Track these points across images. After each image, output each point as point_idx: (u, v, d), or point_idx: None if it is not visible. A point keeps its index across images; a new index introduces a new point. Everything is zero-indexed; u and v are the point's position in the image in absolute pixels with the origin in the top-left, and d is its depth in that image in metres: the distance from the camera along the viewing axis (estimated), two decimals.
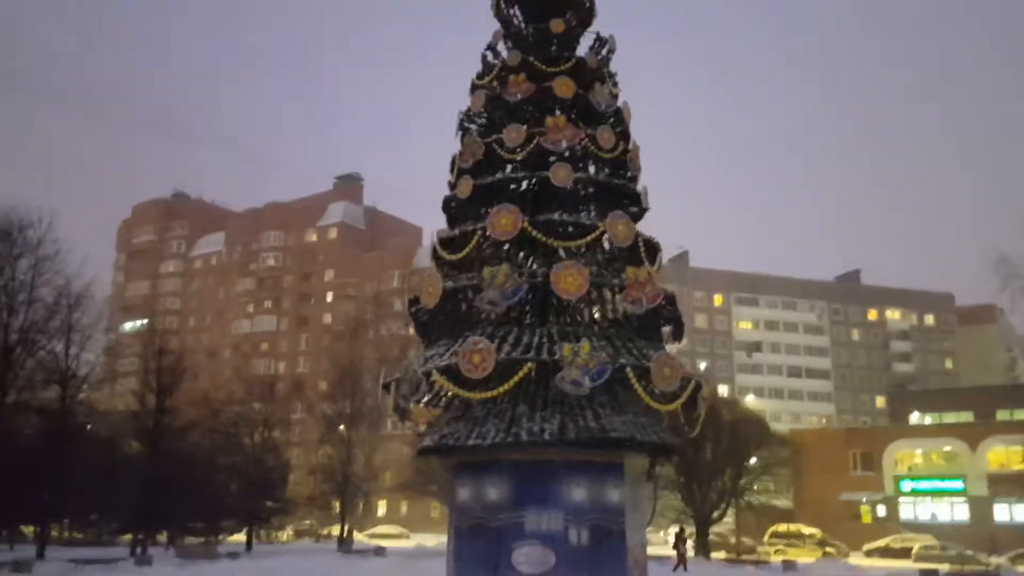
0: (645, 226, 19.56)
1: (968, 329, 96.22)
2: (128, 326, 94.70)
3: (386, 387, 18.93)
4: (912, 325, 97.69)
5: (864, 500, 57.23)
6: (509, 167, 19.24)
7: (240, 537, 50.97)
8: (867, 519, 57.12)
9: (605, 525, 16.86)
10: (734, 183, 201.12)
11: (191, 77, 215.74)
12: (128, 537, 46.02)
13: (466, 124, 20.24)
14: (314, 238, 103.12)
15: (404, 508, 77.41)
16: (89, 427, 44.74)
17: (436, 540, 52.94)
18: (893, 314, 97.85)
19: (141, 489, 40.15)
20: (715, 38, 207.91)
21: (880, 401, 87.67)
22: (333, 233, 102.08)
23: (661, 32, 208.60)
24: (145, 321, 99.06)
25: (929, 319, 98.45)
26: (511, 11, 20.79)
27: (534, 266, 18.12)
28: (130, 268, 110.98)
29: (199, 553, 34.56)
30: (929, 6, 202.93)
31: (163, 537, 48.86)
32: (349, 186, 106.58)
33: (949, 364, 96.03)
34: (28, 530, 46.92)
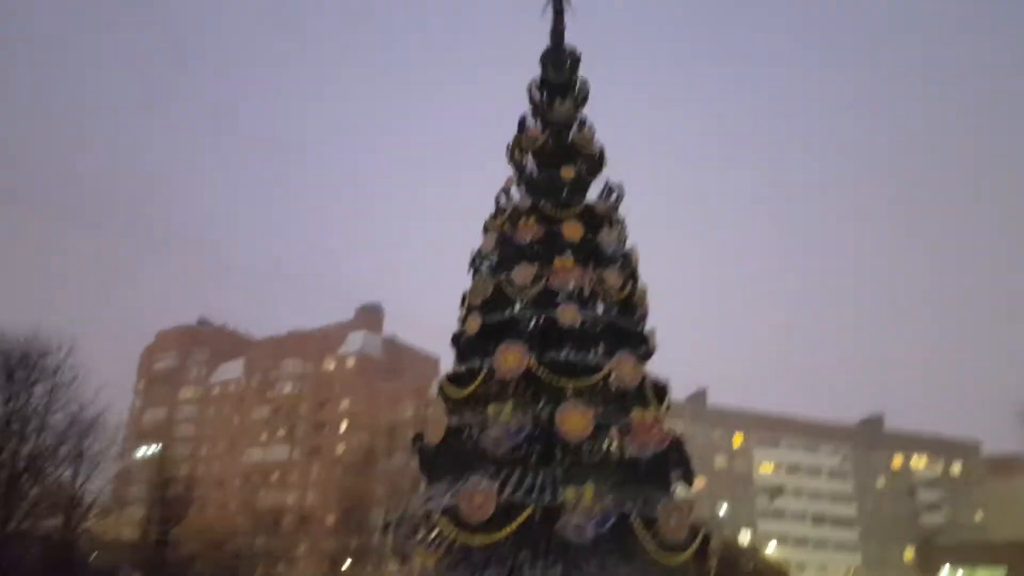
0: (654, 367, 19.65)
1: (998, 479, 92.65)
2: (142, 452, 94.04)
3: (386, 527, 18.58)
4: (939, 473, 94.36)
5: None
6: (518, 306, 19.63)
7: None
8: None
9: None
10: (756, 320, 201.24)
11: (222, 203, 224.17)
12: None
13: (478, 263, 20.86)
14: (332, 367, 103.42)
15: None
16: (91, 557, 43.64)
17: None
18: (919, 461, 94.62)
19: None
20: (740, 161, 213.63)
21: (909, 553, 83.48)
22: (351, 362, 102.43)
23: (685, 168, 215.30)
24: (158, 447, 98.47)
25: (956, 468, 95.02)
26: (525, 158, 21.86)
27: (540, 405, 18.09)
28: (149, 393, 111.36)
29: None
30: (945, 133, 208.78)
31: None
32: (369, 315, 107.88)
33: (979, 516, 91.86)
34: None
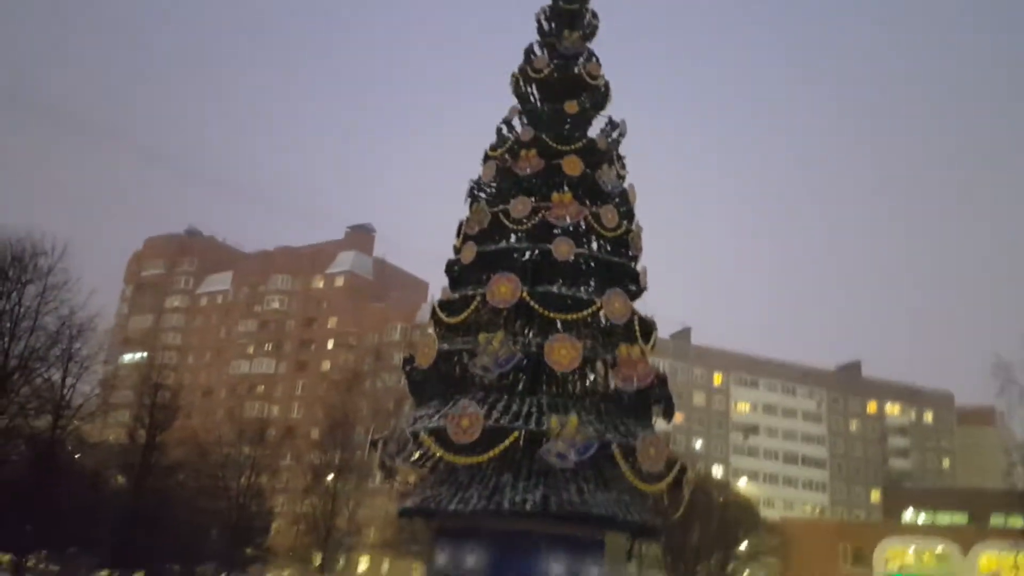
0: (643, 305, 19.98)
1: (967, 430, 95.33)
2: (127, 358, 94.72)
3: (374, 444, 19.13)
4: (911, 421, 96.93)
5: None
6: (513, 237, 19.76)
7: None
8: None
9: None
10: (742, 262, 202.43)
11: (218, 118, 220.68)
12: (105, 573, 45.29)
13: (476, 192, 20.88)
14: (320, 285, 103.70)
15: (386, 566, 75.94)
16: (77, 457, 44.44)
17: None
18: (892, 409, 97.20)
19: (122, 525, 39.73)
20: (729, 112, 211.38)
21: (875, 495, 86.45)
22: (340, 281, 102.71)
23: (677, 102, 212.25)
24: (144, 355, 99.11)
25: (928, 416, 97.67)
26: (529, 89, 21.65)
27: (530, 335, 18.46)
28: (136, 300, 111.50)
29: None
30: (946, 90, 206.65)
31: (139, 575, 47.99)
32: (360, 236, 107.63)
33: (946, 463, 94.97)
34: (3, 558, 46.23)
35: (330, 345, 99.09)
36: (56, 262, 34.26)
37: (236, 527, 47.65)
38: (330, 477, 53.81)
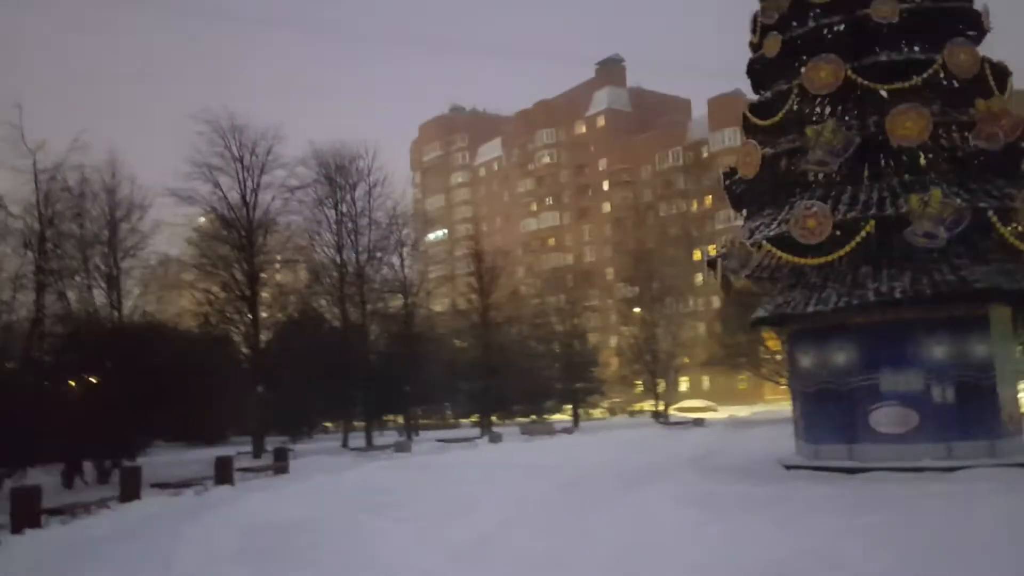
0: (987, 50, 17.26)
1: None
2: (432, 237, 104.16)
3: (711, 263, 19.12)
4: None
5: None
6: (819, 11, 17.78)
7: (560, 416, 55.25)
8: None
9: (972, 381, 15.86)
10: None
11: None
12: (471, 419, 52.15)
13: None
14: (583, 129, 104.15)
15: (706, 383, 78.45)
16: (424, 327, 50.67)
17: (747, 411, 53.54)
18: None
19: (475, 377, 45.28)
20: None
21: None
22: (601, 121, 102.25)
23: None
24: (444, 232, 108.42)
25: None
26: None
27: (865, 116, 16.84)
28: (425, 184, 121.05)
29: (539, 430, 38.30)
30: None
31: (496, 418, 54.53)
32: (611, 69, 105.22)
33: None
34: (388, 418, 55.01)
35: (605, 186, 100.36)
36: (372, 162, 38.36)
37: (568, 365, 51.89)
38: (636, 309, 55.90)
